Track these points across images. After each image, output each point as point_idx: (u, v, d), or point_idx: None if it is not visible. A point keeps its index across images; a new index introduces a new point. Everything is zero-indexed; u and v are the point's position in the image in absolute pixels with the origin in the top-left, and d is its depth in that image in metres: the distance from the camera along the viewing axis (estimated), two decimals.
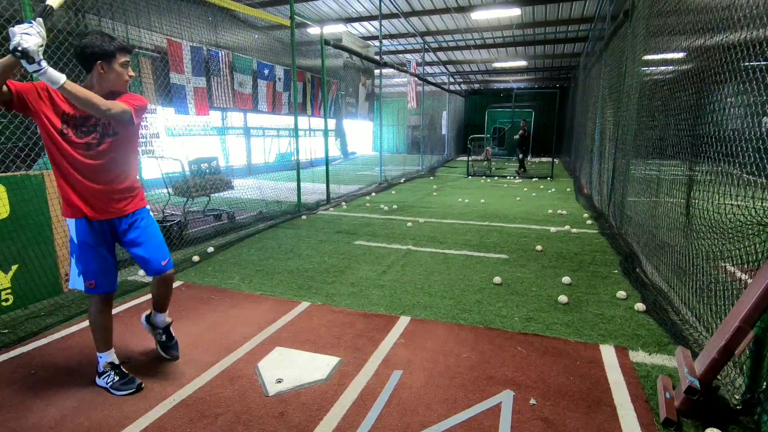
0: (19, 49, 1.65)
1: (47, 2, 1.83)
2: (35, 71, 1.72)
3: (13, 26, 1.68)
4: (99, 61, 2.01)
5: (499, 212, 6.94)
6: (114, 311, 3.12)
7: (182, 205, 5.66)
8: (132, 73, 2.15)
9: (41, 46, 1.71)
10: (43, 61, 1.72)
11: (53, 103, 2.01)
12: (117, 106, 1.99)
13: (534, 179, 11.86)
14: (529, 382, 2.26)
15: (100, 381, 2.23)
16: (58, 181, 2.09)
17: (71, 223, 2.13)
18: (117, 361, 2.26)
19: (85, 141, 2.06)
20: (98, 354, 2.24)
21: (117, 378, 2.20)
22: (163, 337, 2.51)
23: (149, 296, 3.41)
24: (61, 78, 1.78)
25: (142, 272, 3.92)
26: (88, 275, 2.15)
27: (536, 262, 4.28)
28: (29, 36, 1.67)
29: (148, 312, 2.56)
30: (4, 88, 1.86)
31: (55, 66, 3.92)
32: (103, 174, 2.12)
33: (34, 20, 1.73)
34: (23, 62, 1.69)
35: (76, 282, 2.18)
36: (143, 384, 2.22)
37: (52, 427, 1.93)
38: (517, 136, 13.32)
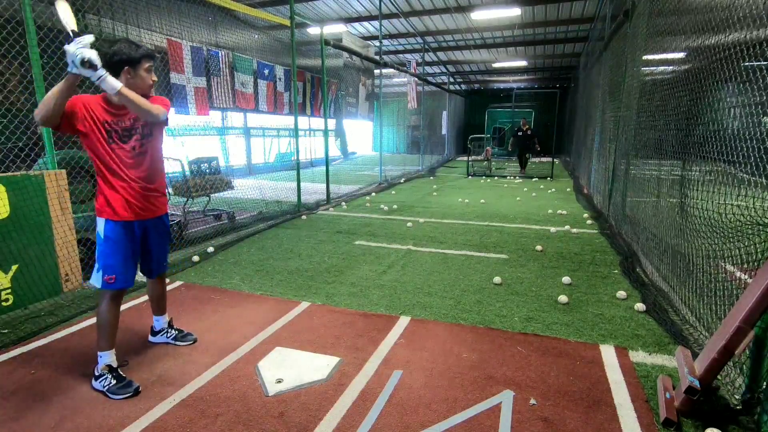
0: (86, 59, 1.89)
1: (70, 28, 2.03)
2: (98, 78, 1.95)
3: (65, 47, 1.91)
4: (126, 67, 2.16)
5: (499, 212, 6.94)
6: None
7: (182, 205, 5.67)
8: (155, 78, 2.30)
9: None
10: (102, 69, 1.94)
11: (93, 114, 2.14)
12: (160, 109, 2.19)
13: (534, 179, 11.86)
14: (529, 382, 2.26)
15: (96, 384, 2.21)
16: (103, 186, 2.21)
17: (101, 221, 2.22)
18: (115, 364, 2.26)
19: (130, 145, 2.22)
20: (99, 353, 2.24)
21: (114, 381, 2.19)
22: (174, 332, 2.71)
23: (144, 298, 3.41)
24: (118, 84, 2.00)
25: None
26: (108, 270, 2.22)
27: (536, 262, 4.28)
28: (86, 49, 1.90)
29: (151, 329, 2.73)
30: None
31: (55, 66, 3.92)
32: (145, 174, 2.29)
33: (76, 39, 1.93)
34: (87, 73, 1.92)
35: (94, 278, 2.24)
36: (140, 387, 2.20)
37: (52, 427, 1.93)
38: (520, 133, 13.13)
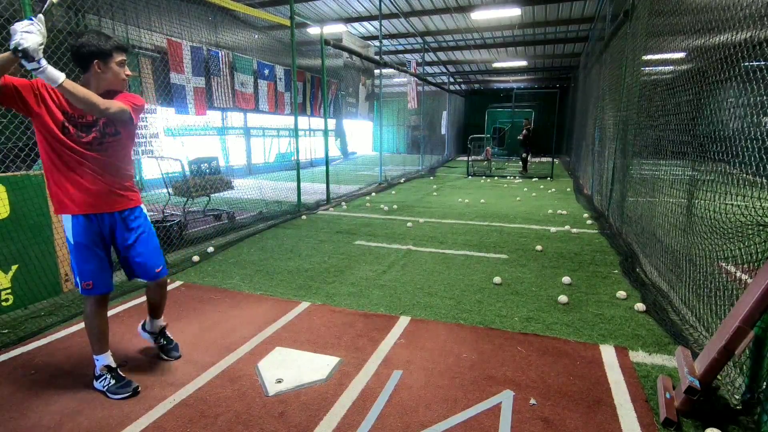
0: (20, 48, 1.65)
1: None
2: (34, 69, 1.71)
3: (14, 24, 1.69)
4: (96, 60, 2.02)
5: (499, 212, 6.94)
6: (114, 311, 3.13)
7: (182, 205, 5.67)
8: (129, 73, 2.16)
9: (41, 44, 1.71)
10: (43, 59, 1.71)
11: (53, 100, 2.00)
12: (115, 105, 1.99)
13: (534, 179, 11.87)
14: (529, 382, 2.26)
15: (97, 384, 2.21)
16: (55, 178, 2.06)
17: (67, 220, 2.10)
18: (114, 364, 2.24)
19: (86, 139, 2.06)
20: (94, 357, 2.23)
21: (113, 381, 2.18)
22: (162, 340, 2.55)
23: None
24: (60, 77, 1.77)
25: None
26: (85, 275, 2.13)
27: (536, 262, 4.27)
28: (30, 34, 1.68)
29: (143, 322, 2.60)
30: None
31: (56, 66, 3.92)
32: (107, 168, 2.13)
33: (35, 17, 1.73)
34: (23, 60, 1.69)
35: (77, 283, 2.18)
36: (140, 387, 2.20)
37: (52, 427, 1.93)
38: (520, 137, 13.52)
